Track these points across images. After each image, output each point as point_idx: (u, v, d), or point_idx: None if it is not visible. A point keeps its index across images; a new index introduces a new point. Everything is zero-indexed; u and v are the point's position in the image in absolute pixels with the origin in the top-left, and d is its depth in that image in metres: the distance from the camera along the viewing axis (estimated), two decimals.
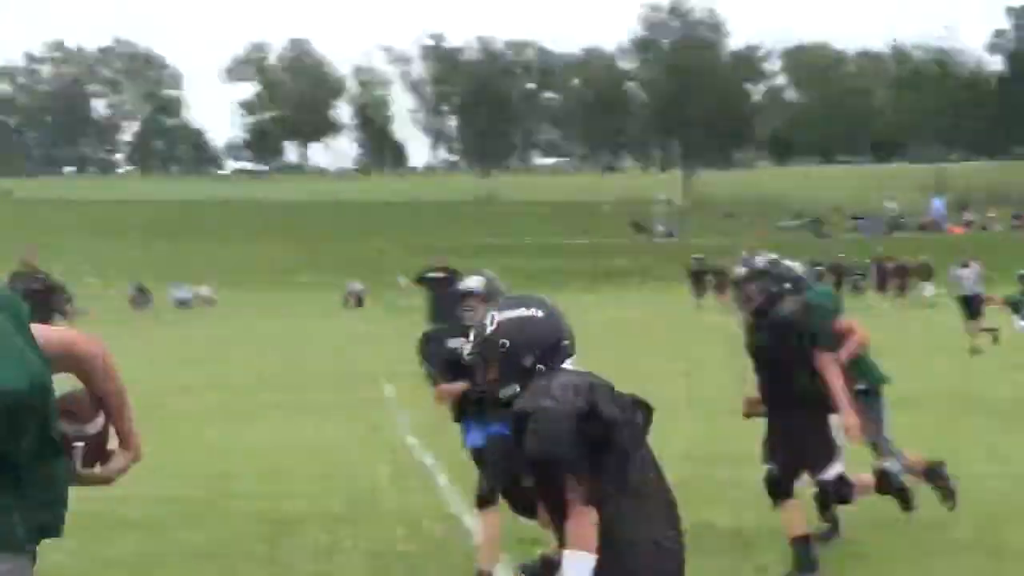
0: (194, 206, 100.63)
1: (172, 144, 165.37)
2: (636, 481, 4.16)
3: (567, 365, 4.33)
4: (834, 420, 7.96)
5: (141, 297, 54.81)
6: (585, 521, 4.04)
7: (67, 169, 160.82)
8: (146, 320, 46.46)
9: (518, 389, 4.29)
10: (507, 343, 4.34)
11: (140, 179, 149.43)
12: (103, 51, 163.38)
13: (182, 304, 56.94)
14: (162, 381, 20.87)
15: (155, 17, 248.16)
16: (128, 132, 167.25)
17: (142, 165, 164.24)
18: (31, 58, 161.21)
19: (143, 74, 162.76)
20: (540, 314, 4.39)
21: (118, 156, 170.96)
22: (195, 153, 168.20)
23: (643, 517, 4.14)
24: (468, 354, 4.48)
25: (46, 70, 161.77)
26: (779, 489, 7.95)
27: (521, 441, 4.13)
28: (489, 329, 4.40)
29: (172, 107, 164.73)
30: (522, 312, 4.40)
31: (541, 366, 4.29)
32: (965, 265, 29.52)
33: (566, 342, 4.37)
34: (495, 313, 4.44)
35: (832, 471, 8.01)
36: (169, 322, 45.79)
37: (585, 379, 4.18)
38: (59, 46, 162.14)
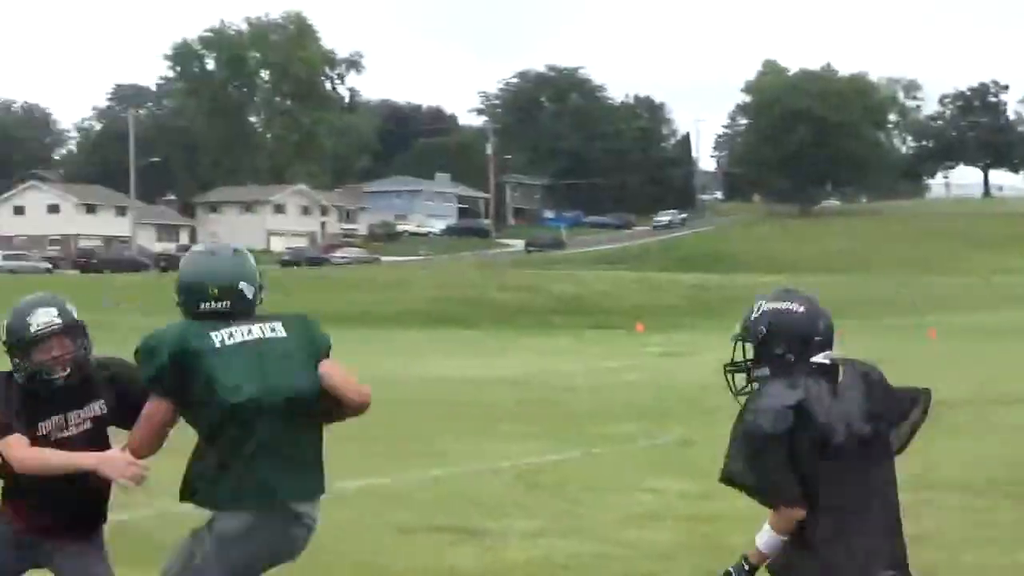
0: None
1: None
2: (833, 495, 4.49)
3: (820, 358, 4.66)
4: None
5: None
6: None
7: None
8: None
9: (767, 372, 4.69)
10: (764, 330, 4.71)
11: None
12: None
13: None
14: None
15: None
16: None
17: None
18: None
19: None
20: (800, 309, 4.73)
21: None
22: None
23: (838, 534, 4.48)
24: (733, 335, 4.85)
25: None
26: None
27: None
28: (754, 315, 4.79)
29: None
30: (784, 305, 4.75)
31: (791, 356, 4.66)
32: None
33: (819, 338, 4.70)
34: (763, 301, 4.82)
35: None
36: None
37: (799, 396, 4.51)
38: None
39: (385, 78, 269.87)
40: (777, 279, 70.80)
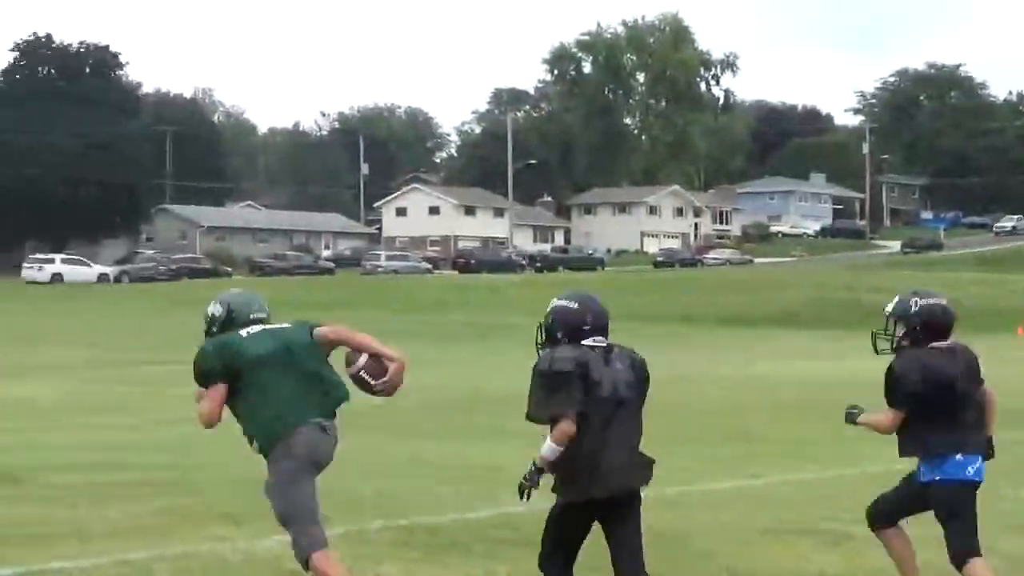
0: None
1: None
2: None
3: (588, 341, 6.78)
4: None
5: None
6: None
7: None
8: None
9: (552, 348, 6.80)
10: (550, 321, 6.87)
11: None
12: None
13: None
14: None
15: None
16: None
17: None
18: None
19: None
20: (574, 306, 6.86)
21: None
22: None
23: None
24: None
25: None
26: None
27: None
28: (549, 309, 6.89)
29: None
30: (564, 303, 6.89)
31: (566, 339, 6.80)
32: None
33: (587, 327, 6.80)
34: (555, 299, 6.94)
35: None
36: None
37: (578, 354, 6.70)
38: None
39: (760, 78, 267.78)
40: None
